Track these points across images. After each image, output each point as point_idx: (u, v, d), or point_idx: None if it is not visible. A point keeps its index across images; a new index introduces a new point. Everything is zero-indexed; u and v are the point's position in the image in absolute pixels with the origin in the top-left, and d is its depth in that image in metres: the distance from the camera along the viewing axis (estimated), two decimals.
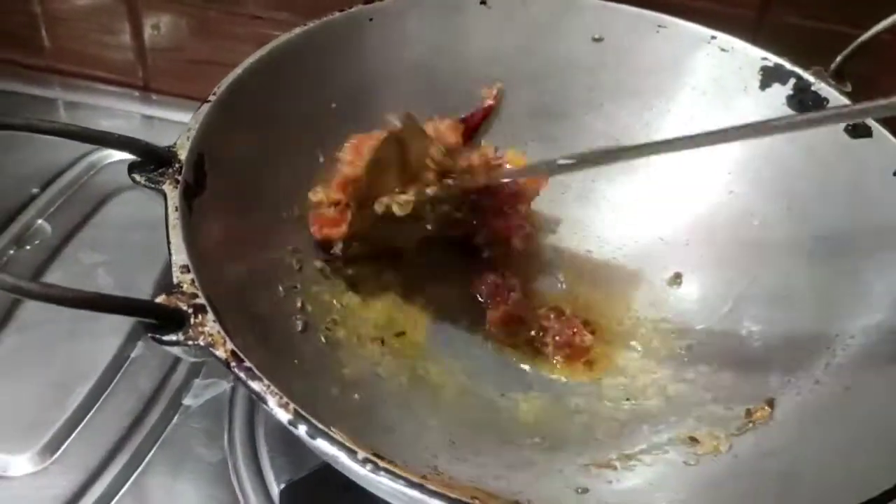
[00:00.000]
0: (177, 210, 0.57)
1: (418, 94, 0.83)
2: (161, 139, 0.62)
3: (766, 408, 0.68)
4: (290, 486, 0.67)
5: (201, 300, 0.51)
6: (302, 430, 0.46)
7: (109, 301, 0.48)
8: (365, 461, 0.45)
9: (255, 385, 0.48)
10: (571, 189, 0.88)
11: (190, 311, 0.50)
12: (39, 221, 0.92)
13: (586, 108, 0.87)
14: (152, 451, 0.74)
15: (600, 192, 0.87)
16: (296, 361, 0.65)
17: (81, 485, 0.71)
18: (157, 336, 0.49)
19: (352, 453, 0.45)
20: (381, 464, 0.45)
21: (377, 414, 0.68)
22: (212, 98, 0.66)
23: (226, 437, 0.74)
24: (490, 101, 0.86)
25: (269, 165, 0.71)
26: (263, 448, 0.72)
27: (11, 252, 0.88)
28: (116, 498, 0.71)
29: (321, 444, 0.46)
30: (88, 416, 0.75)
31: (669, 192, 0.85)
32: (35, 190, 0.95)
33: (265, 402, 0.47)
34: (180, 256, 0.54)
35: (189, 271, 0.53)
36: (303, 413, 0.47)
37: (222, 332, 0.50)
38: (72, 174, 0.98)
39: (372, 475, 0.45)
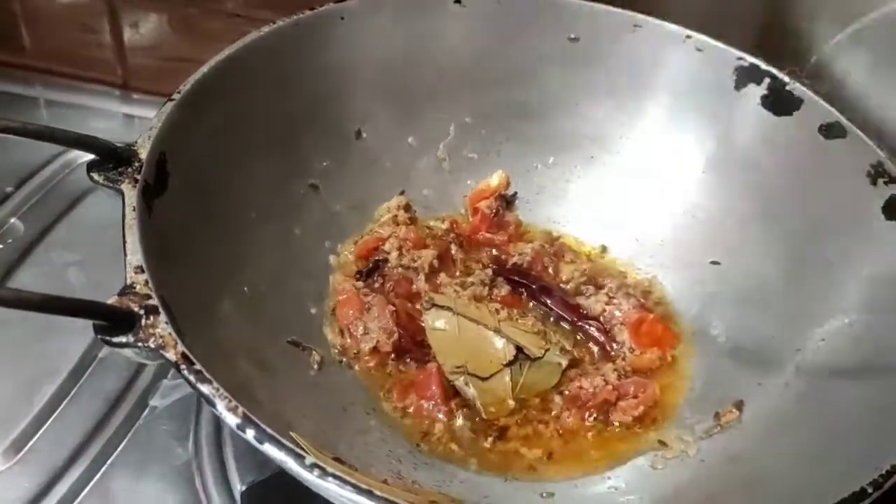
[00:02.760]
0: (134, 210, 0.56)
1: (389, 96, 0.83)
2: None
3: (735, 410, 0.68)
4: (253, 487, 0.67)
5: (154, 301, 0.51)
6: (250, 434, 0.46)
7: (56, 303, 0.47)
8: (312, 466, 0.45)
9: (203, 388, 0.47)
10: (546, 189, 0.88)
11: (141, 312, 0.50)
12: (12, 220, 0.91)
13: (562, 108, 0.86)
14: (117, 452, 0.73)
15: (575, 193, 0.87)
16: (263, 361, 0.64)
17: (45, 485, 0.70)
18: (107, 338, 0.48)
19: (299, 458, 0.45)
20: (330, 469, 0.44)
21: (350, 414, 0.67)
22: (176, 96, 0.65)
23: (191, 438, 0.74)
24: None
25: (236, 167, 0.70)
26: (229, 449, 0.71)
27: None
28: (79, 498, 0.70)
29: (269, 450, 0.45)
30: (54, 416, 0.74)
31: (645, 193, 0.84)
32: (9, 189, 0.94)
33: (214, 406, 0.47)
34: (135, 257, 0.53)
35: (143, 272, 0.52)
36: (251, 417, 0.46)
37: (174, 334, 0.49)
38: (46, 173, 0.97)
39: (319, 481, 0.44)
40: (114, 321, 0.49)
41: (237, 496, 0.68)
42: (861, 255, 0.69)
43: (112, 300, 0.50)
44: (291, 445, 0.45)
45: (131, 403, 0.77)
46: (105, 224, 0.58)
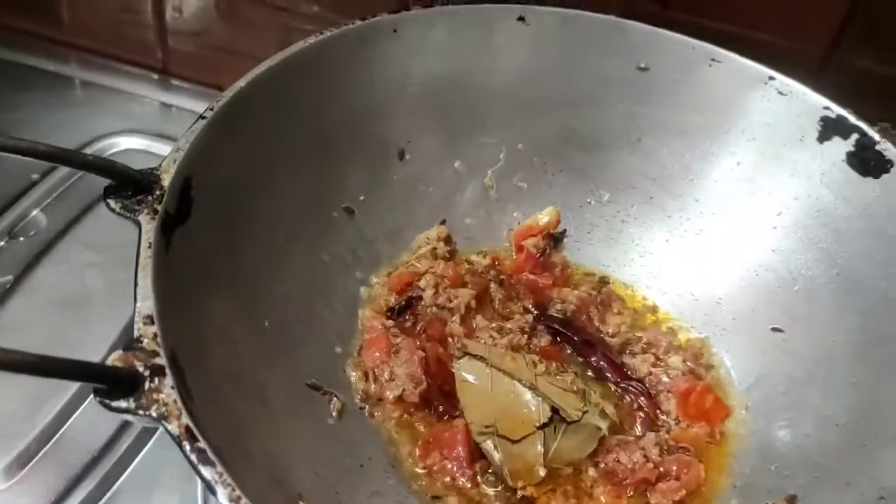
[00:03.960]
0: (150, 247, 0.51)
1: (438, 116, 0.77)
2: (177, 129, 0.58)
3: None
4: None
5: (160, 360, 0.46)
6: None
7: (52, 364, 0.42)
8: None
9: (206, 472, 0.42)
10: (599, 228, 0.81)
11: (146, 373, 0.45)
12: (35, 212, 0.87)
13: (622, 141, 0.80)
14: (123, 476, 0.69)
15: (629, 236, 0.80)
16: (279, 409, 0.59)
17: None
18: (106, 401, 0.44)
19: None
20: None
21: (367, 471, 0.62)
22: (208, 114, 0.60)
23: None
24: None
25: (266, 187, 0.65)
26: None
27: (3, 244, 0.84)
28: None
29: None
30: (60, 433, 0.70)
31: (706, 244, 0.78)
32: (35, 176, 0.90)
33: (214, 494, 0.42)
34: (146, 304, 0.48)
35: (152, 323, 0.47)
36: None
37: (179, 402, 0.44)
38: None
39: None
40: (114, 383, 0.44)
41: None
42: None
43: (114, 357, 0.45)
44: None
45: (141, 426, 0.72)
46: (129, 224, 0.54)
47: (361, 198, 0.75)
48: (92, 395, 0.44)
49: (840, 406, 0.65)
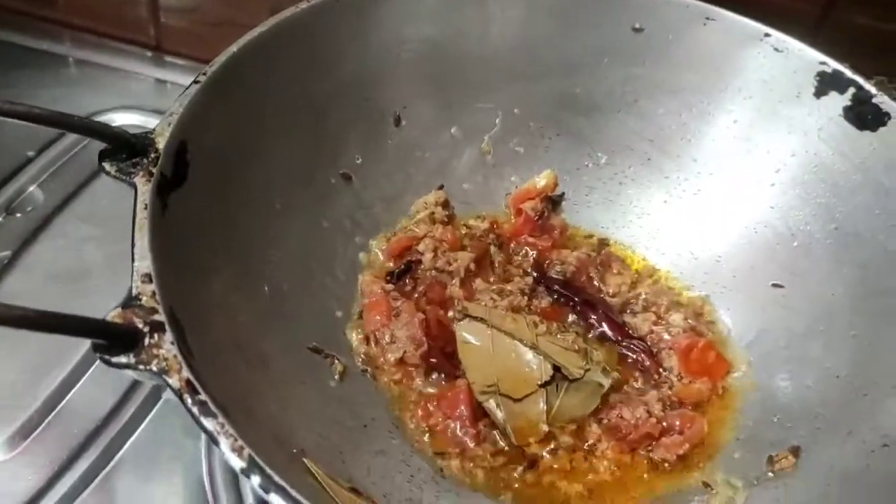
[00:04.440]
0: (146, 208, 0.51)
1: (433, 81, 0.77)
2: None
3: (791, 457, 0.62)
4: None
5: (160, 316, 0.46)
6: (255, 481, 0.41)
7: (50, 319, 0.42)
8: None
9: (207, 423, 0.42)
10: (597, 191, 0.81)
11: (146, 329, 0.45)
12: (32, 188, 0.87)
13: (618, 103, 0.79)
14: (125, 448, 0.69)
15: (627, 197, 0.80)
16: (280, 372, 0.59)
17: (48, 477, 0.66)
18: (106, 357, 0.44)
19: None
20: None
21: (371, 432, 0.63)
22: (202, 78, 0.60)
23: (204, 436, 0.69)
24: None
25: (262, 153, 0.65)
26: None
27: (0, 220, 0.83)
28: (83, 495, 0.66)
29: (275, 500, 0.40)
30: (61, 405, 0.70)
31: (704, 203, 0.78)
32: (30, 153, 0.90)
33: (217, 445, 0.42)
34: (143, 263, 0.48)
35: (150, 281, 0.47)
36: (258, 461, 0.41)
37: (179, 357, 0.44)
38: (70, 138, 0.92)
39: None
40: (115, 339, 0.44)
41: None
42: None
43: (113, 314, 0.45)
44: (300, 497, 0.40)
45: (143, 395, 0.72)
46: (126, 197, 0.54)
47: (358, 164, 0.74)
48: (95, 355, 0.44)
49: (840, 358, 0.65)
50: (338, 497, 0.50)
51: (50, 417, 0.70)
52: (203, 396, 0.43)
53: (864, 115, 0.69)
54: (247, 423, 0.48)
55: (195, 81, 0.59)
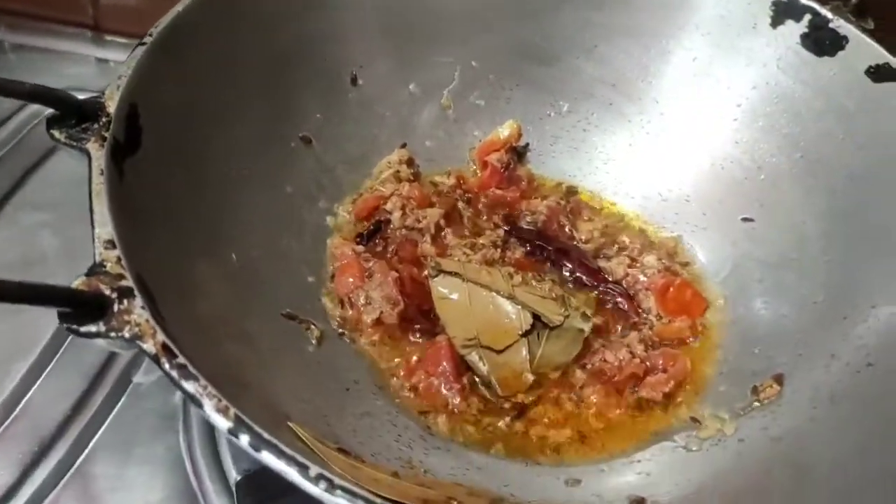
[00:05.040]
0: (102, 174, 0.48)
1: (388, 37, 0.75)
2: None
3: (775, 385, 0.62)
4: (248, 476, 0.61)
5: (128, 282, 0.44)
6: (244, 440, 0.39)
7: (12, 288, 0.40)
8: (318, 478, 0.38)
9: (188, 386, 0.41)
10: (561, 139, 0.80)
11: (113, 295, 0.43)
12: None
13: (577, 49, 0.78)
14: (99, 434, 0.67)
15: (592, 144, 0.80)
16: (256, 340, 0.57)
17: (21, 472, 0.64)
18: (73, 326, 0.42)
19: (303, 469, 0.38)
20: (337, 481, 0.38)
21: (354, 394, 0.61)
22: (148, 39, 0.57)
23: (181, 417, 0.67)
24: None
25: (218, 118, 0.62)
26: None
27: None
28: (59, 485, 0.64)
29: (267, 458, 0.39)
30: (28, 397, 0.68)
31: (669, 144, 0.77)
32: None
33: (200, 406, 0.40)
34: (104, 229, 0.46)
35: (114, 247, 0.45)
36: (245, 419, 0.40)
37: (152, 321, 0.42)
38: (14, 123, 0.88)
39: (326, 495, 0.38)
40: (81, 307, 0.42)
41: (232, 484, 0.62)
42: None
43: (78, 282, 0.43)
44: (293, 453, 0.39)
45: (113, 380, 0.70)
46: (79, 180, 0.51)
47: (318, 126, 0.72)
48: (61, 336, 0.42)
49: (816, 284, 0.66)
50: (325, 458, 0.49)
51: (16, 411, 0.67)
52: (181, 359, 0.41)
53: (821, 41, 0.69)
54: (228, 389, 0.46)
55: (141, 43, 0.57)
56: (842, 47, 0.68)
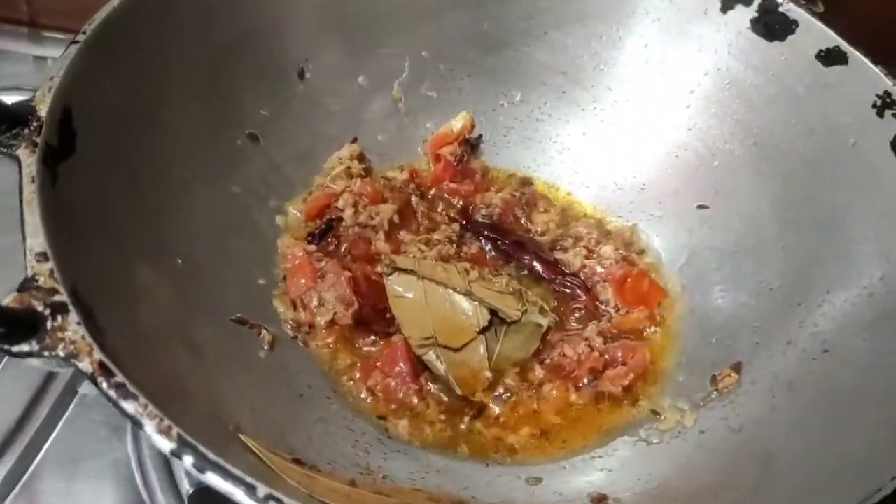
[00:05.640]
0: (34, 181, 0.46)
1: (335, 29, 0.73)
2: None
3: (733, 374, 0.62)
4: (201, 489, 0.59)
5: (62, 297, 0.41)
6: (188, 461, 0.38)
7: None
8: (267, 499, 0.37)
9: (128, 406, 0.39)
10: (514, 130, 0.79)
11: (46, 312, 0.41)
12: None
13: (528, 37, 0.77)
14: (44, 449, 0.64)
15: (545, 134, 0.78)
16: (203, 348, 0.55)
17: None
18: (5, 347, 0.39)
19: (250, 490, 0.37)
20: (287, 501, 0.37)
21: (308, 400, 0.59)
22: (81, 37, 0.55)
23: (130, 429, 0.65)
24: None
25: (157, 118, 0.60)
26: None
27: None
28: (6, 502, 0.62)
29: (212, 480, 0.37)
30: None
31: (624, 132, 0.76)
32: None
33: (141, 427, 0.38)
34: (36, 241, 0.44)
35: (47, 259, 0.43)
36: (188, 439, 0.38)
37: (89, 338, 0.40)
38: None
39: None
40: (12, 326, 0.40)
41: (185, 496, 0.60)
42: (867, 196, 0.62)
43: (9, 299, 0.41)
44: (240, 473, 0.37)
45: (58, 391, 0.67)
46: (8, 189, 0.48)
47: (265, 123, 0.70)
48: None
49: (772, 271, 0.66)
50: (280, 470, 0.47)
51: None
52: (120, 378, 0.39)
53: (772, 25, 0.69)
54: (174, 403, 0.44)
55: (74, 42, 0.54)
56: (792, 31, 0.68)
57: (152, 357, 0.48)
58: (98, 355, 0.40)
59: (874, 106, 0.63)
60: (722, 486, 0.53)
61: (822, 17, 0.68)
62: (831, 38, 0.66)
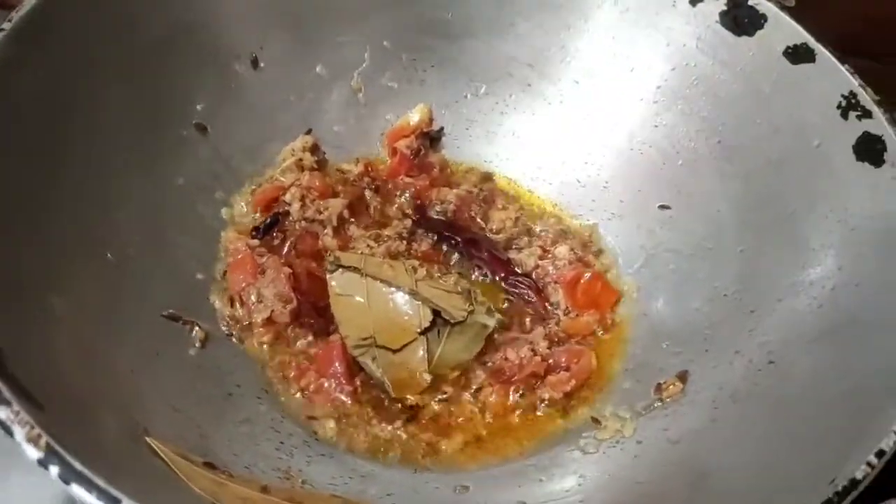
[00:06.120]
0: None
1: (291, 15, 0.71)
2: None
3: (678, 383, 0.59)
4: None
5: None
6: (54, 472, 0.36)
7: None
8: None
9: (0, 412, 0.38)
10: (477, 123, 0.77)
11: None
12: None
13: (494, 26, 0.75)
14: None
15: (509, 128, 0.76)
16: (126, 344, 0.54)
17: None
18: None
19: (113, 502, 0.36)
20: None
21: (236, 400, 0.58)
22: (6, 26, 0.53)
23: None
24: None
25: (93, 110, 0.58)
26: None
27: None
28: None
29: (77, 491, 0.36)
30: None
31: (590, 127, 0.74)
32: None
33: (11, 434, 0.37)
34: None
35: None
36: (57, 449, 0.37)
37: None
38: None
39: None
40: None
41: None
42: (826, 201, 0.60)
43: None
44: (105, 485, 0.36)
45: None
46: None
47: (213, 113, 0.68)
48: None
49: (728, 276, 0.63)
50: (185, 476, 0.46)
51: None
52: None
53: (740, 20, 0.66)
54: (67, 407, 0.43)
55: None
56: (760, 26, 0.65)
57: (59, 354, 0.47)
58: None
59: (839, 107, 0.60)
60: (652, 501, 0.51)
61: (791, 12, 0.65)
62: (799, 35, 0.63)
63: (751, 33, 0.66)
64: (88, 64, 0.58)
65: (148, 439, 0.47)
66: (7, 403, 0.38)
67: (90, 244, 0.56)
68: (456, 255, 0.69)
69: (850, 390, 0.49)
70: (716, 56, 0.67)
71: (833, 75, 0.61)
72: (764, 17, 0.65)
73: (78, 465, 0.36)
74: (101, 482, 0.36)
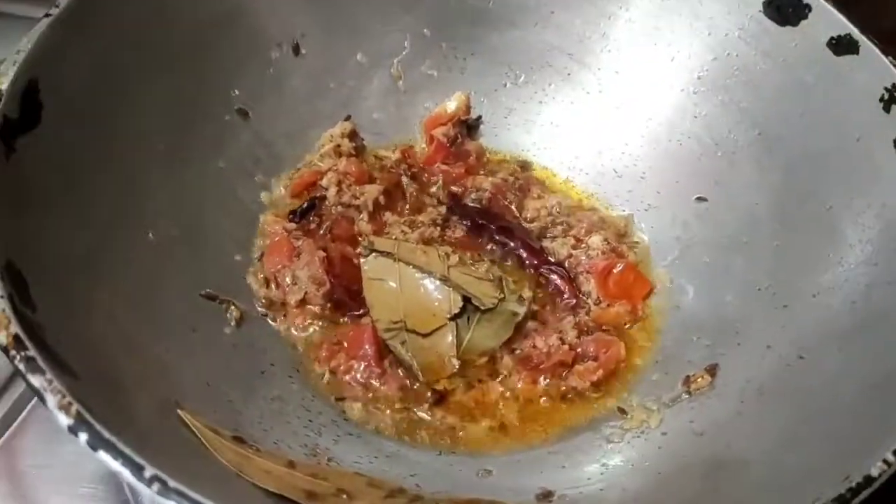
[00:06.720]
0: None
1: (334, 2, 0.72)
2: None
3: (707, 376, 0.59)
4: None
5: None
6: (83, 439, 0.38)
7: None
8: (153, 480, 0.37)
9: (34, 380, 0.39)
10: (516, 112, 0.77)
11: None
12: None
13: (534, 16, 0.75)
14: (28, 409, 0.66)
15: (547, 117, 0.76)
16: (164, 322, 0.56)
17: None
18: None
19: (137, 469, 0.37)
20: (172, 483, 0.37)
21: (269, 377, 0.60)
22: (54, 11, 0.55)
23: None
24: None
25: (137, 91, 0.60)
26: None
27: None
28: None
29: (104, 458, 0.38)
30: None
31: (629, 118, 0.74)
32: None
33: (44, 402, 0.39)
34: None
35: None
36: (87, 417, 0.38)
37: (9, 311, 0.41)
38: None
39: (160, 498, 0.37)
40: None
41: None
42: (864, 197, 0.59)
43: None
44: (129, 452, 0.38)
45: None
46: None
47: (255, 98, 0.70)
48: None
49: (762, 270, 0.63)
50: (213, 447, 0.48)
51: None
52: (31, 352, 0.40)
53: (784, 9, 0.65)
54: (101, 378, 0.45)
55: (47, 14, 0.55)
56: (805, 16, 0.64)
57: (98, 328, 0.49)
58: (15, 328, 0.41)
59: (881, 100, 0.59)
60: (670, 493, 0.51)
61: (837, 3, 0.63)
62: (843, 25, 0.62)
63: (794, 23, 0.64)
64: (132, 49, 0.60)
65: (179, 411, 0.49)
66: (41, 372, 0.40)
67: (133, 224, 0.58)
68: (489, 243, 0.70)
69: (874, 386, 0.48)
70: (758, 46, 0.66)
71: (877, 67, 0.60)
72: (808, 7, 0.64)
73: (106, 434, 0.38)
74: (127, 450, 0.38)
